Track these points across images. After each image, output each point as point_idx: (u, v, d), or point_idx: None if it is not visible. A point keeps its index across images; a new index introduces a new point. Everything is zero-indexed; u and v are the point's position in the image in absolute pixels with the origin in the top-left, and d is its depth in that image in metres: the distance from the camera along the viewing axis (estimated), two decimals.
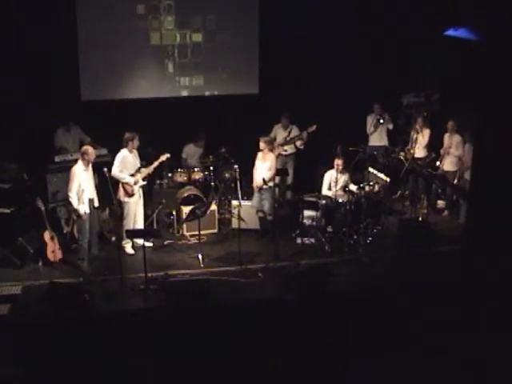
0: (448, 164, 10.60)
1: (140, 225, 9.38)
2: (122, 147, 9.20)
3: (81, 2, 10.92)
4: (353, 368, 7.92)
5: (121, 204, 9.13)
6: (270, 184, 9.68)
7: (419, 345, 8.32)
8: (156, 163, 9.45)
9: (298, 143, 11.08)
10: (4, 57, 10.18)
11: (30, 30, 10.27)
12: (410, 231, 9.60)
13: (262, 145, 9.68)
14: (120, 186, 9.13)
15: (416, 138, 10.82)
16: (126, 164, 9.15)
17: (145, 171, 9.33)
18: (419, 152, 10.82)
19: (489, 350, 8.39)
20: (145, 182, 9.40)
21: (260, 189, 9.67)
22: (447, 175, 10.55)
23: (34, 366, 7.53)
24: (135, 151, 9.30)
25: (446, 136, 10.60)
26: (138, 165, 9.33)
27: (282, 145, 11.03)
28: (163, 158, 9.50)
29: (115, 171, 9.04)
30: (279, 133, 11.15)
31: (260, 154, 9.77)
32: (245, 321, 7.93)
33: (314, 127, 10.84)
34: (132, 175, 9.19)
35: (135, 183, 9.18)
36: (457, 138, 10.48)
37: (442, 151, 10.61)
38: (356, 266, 8.87)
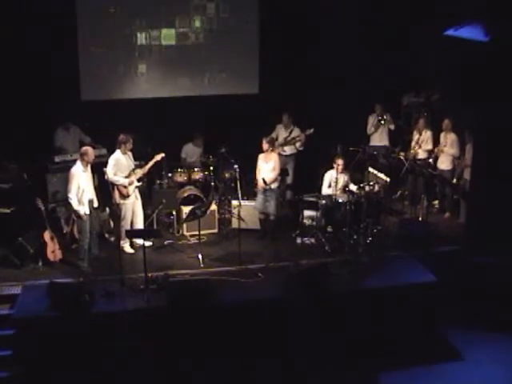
0: (442, 163, 10.60)
1: (140, 225, 9.38)
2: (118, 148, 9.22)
3: (81, 1, 10.92)
4: (352, 368, 7.94)
5: (118, 206, 9.12)
6: (275, 185, 9.67)
7: (419, 345, 8.34)
8: (151, 163, 9.46)
9: (297, 144, 11.09)
10: (4, 57, 10.17)
11: (30, 30, 10.27)
12: (410, 231, 9.61)
13: (264, 145, 9.63)
14: (115, 188, 9.12)
15: (417, 139, 10.81)
16: (119, 166, 9.14)
17: (139, 172, 9.33)
18: (421, 153, 10.80)
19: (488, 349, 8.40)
20: (140, 183, 9.39)
21: (265, 190, 9.64)
22: (443, 174, 10.55)
23: (33, 366, 7.55)
24: (129, 152, 9.29)
25: (442, 135, 10.62)
26: (132, 166, 9.31)
27: (283, 145, 11.03)
28: (158, 157, 9.49)
29: (109, 174, 9.04)
30: (281, 133, 11.15)
31: (262, 155, 9.73)
32: (245, 321, 7.94)
33: (312, 130, 10.87)
34: (126, 177, 9.18)
35: (130, 184, 9.17)
36: (452, 137, 10.48)
37: (436, 149, 10.62)
38: (356, 266, 8.86)
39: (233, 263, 8.94)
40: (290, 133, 11.08)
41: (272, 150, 9.71)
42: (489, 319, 8.69)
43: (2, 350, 7.65)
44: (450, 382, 7.81)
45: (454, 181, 10.49)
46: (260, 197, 9.75)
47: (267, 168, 9.65)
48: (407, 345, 8.20)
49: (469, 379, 7.83)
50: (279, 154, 10.80)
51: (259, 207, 9.79)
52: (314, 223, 9.77)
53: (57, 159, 10.17)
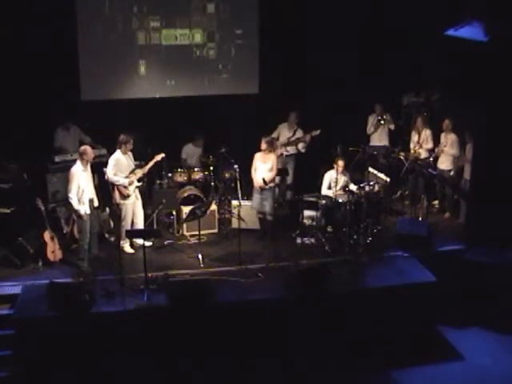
0: (442, 163, 10.60)
1: (140, 225, 9.38)
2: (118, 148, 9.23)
3: (81, 1, 10.91)
4: (352, 368, 7.95)
5: (118, 206, 9.12)
6: (271, 184, 9.67)
7: (419, 345, 8.34)
8: (151, 163, 9.47)
9: (300, 146, 11.03)
10: (4, 57, 10.17)
11: (30, 30, 10.27)
12: (410, 231, 9.60)
13: (263, 145, 9.61)
14: (115, 188, 9.12)
15: (418, 139, 10.80)
16: (119, 166, 9.15)
17: (139, 172, 9.33)
18: (423, 153, 10.79)
19: (488, 349, 8.41)
20: (140, 183, 9.39)
21: (262, 190, 9.64)
22: (443, 174, 10.55)
23: (33, 366, 7.55)
24: (129, 153, 9.30)
25: (442, 135, 10.62)
26: (133, 166, 9.32)
27: (285, 145, 11.00)
28: (158, 157, 9.50)
29: (109, 174, 9.04)
30: (283, 132, 11.10)
31: (259, 155, 9.72)
32: (245, 321, 7.94)
33: (318, 132, 10.82)
34: (126, 177, 9.18)
35: (130, 184, 9.17)
36: (452, 137, 10.48)
37: (436, 150, 10.62)
38: (356, 266, 8.87)
39: (233, 263, 8.94)
40: (294, 133, 11.05)
41: (270, 151, 9.69)
42: (489, 319, 8.69)
43: (2, 350, 7.65)
44: (450, 381, 7.81)
45: (452, 173, 10.47)
46: (257, 196, 9.73)
47: (265, 168, 9.63)
48: (407, 345, 8.20)
49: (468, 379, 7.83)
50: (281, 155, 10.81)
51: (256, 207, 9.78)
52: (314, 223, 9.77)
53: (57, 159, 10.16)
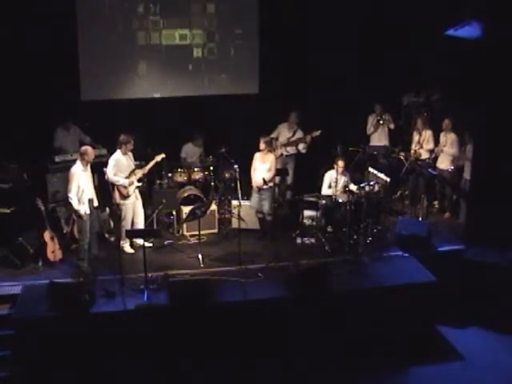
0: (442, 162, 10.60)
1: (140, 225, 9.38)
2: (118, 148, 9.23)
3: (81, 1, 10.92)
4: (352, 368, 7.95)
5: (118, 206, 9.12)
6: (270, 184, 9.67)
7: (419, 345, 8.35)
8: (151, 164, 9.48)
9: (301, 146, 11.02)
10: (4, 57, 10.17)
11: (30, 30, 10.27)
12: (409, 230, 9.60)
13: (262, 145, 9.63)
14: (115, 188, 9.12)
15: (418, 140, 10.80)
16: (119, 167, 9.15)
17: (139, 172, 9.34)
18: (423, 153, 10.78)
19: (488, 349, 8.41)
20: (140, 184, 9.40)
21: (260, 189, 9.64)
22: (443, 174, 10.55)
23: (33, 366, 7.55)
24: (129, 153, 9.30)
25: (442, 135, 10.62)
26: (133, 166, 9.32)
27: (285, 145, 11.00)
28: (158, 158, 9.51)
29: (109, 174, 9.04)
30: (283, 132, 11.09)
31: (258, 155, 9.73)
32: (245, 321, 7.94)
33: (319, 132, 10.81)
34: (127, 177, 9.19)
35: (130, 185, 9.18)
36: (452, 136, 10.48)
37: (436, 149, 10.62)
38: (356, 266, 8.87)
39: (233, 263, 8.94)
40: (294, 133, 11.04)
41: (269, 151, 9.69)
42: (489, 319, 8.69)
43: (2, 350, 7.65)
44: (450, 381, 7.81)
45: (452, 168, 10.46)
46: (255, 196, 9.74)
47: (264, 168, 9.64)
48: (407, 345, 8.20)
49: (468, 379, 7.83)
50: (281, 155, 10.80)
51: (255, 206, 9.79)
52: (314, 223, 9.77)
53: (57, 159, 10.17)
